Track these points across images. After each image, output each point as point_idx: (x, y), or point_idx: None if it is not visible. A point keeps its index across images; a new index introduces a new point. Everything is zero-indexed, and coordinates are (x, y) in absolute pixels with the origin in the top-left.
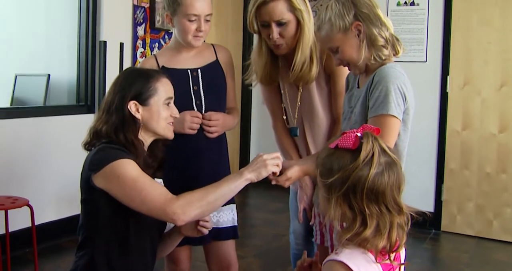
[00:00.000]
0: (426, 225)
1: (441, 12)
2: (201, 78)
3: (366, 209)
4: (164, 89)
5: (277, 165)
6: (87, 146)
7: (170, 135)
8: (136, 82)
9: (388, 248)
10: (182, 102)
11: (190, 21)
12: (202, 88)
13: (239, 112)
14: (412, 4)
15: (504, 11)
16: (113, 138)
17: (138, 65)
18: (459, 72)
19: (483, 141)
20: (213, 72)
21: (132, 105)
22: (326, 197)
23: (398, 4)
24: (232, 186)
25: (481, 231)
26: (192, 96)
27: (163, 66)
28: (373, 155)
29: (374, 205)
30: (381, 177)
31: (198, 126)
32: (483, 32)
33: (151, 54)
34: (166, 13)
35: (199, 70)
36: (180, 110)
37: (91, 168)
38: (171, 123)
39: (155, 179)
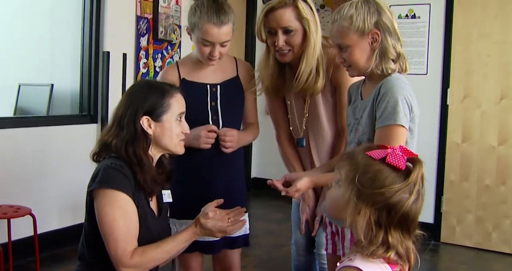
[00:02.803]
0: (425, 236)
1: (442, 25)
2: (220, 94)
3: (393, 230)
4: (177, 105)
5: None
6: (95, 156)
7: (181, 151)
8: (150, 97)
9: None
10: (198, 116)
11: (204, 45)
12: (220, 104)
13: (259, 128)
14: (414, 17)
15: (504, 25)
16: (122, 153)
17: (160, 72)
18: (459, 85)
19: (482, 153)
20: (232, 89)
21: (144, 121)
22: (355, 203)
23: (400, 16)
24: (182, 247)
25: (480, 243)
26: (209, 112)
27: (183, 79)
28: (416, 182)
29: (400, 228)
30: (416, 204)
31: (213, 141)
32: (483, 45)
33: (154, 64)
34: (187, 26)
35: (218, 86)
36: (196, 125)
37: (92, 182)
38: (182, 140)
39: (162, 191)
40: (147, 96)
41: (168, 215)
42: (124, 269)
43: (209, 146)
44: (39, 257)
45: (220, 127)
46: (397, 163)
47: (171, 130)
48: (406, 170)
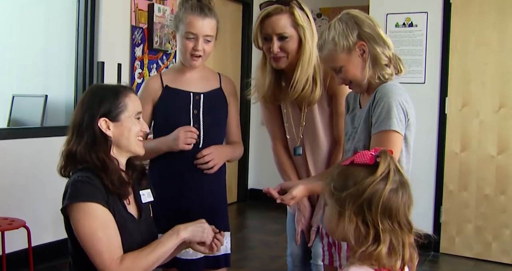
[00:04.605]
0: (424, 247)
1: (439, 34)
2: (203, 103)
3: (380, 224)
4: (133, 104)
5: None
6: (63, 170)
7: (140, 151)
8: (104, 99)
9: (402, 267)
10: (182, 123)
11: (188, 39)
12: (202, 113)
13: (242, 147)
14: (411, 25)
15: (502, 33)
16: (87, 159)
17: (144, 83)
18: (458, 93)
19: (481, 162)
20: (215, 99)
21: (102, 123)
22: (338, 211)
23: (397, 25)
24: (170, 246)
25: (480, 253)
26: (191, 119)
27: (166, 86)
28: (389, 171)
29: (388, 220)
30: (396, 193)
31: (193, 141)
32: (481, 53)
33: (149, 75)
34: (172, 30)
35: (201, 95)
36: None
37: (64, 199)
38: (141, 138)
39: (141, 191)
40: (101, 99)
41: (152, 214)
42: None
43: (190, 146)
44: (33, 270)
45: (201, 136)
46: (362, 160)
47: (129, 130)
48: (375, 163)
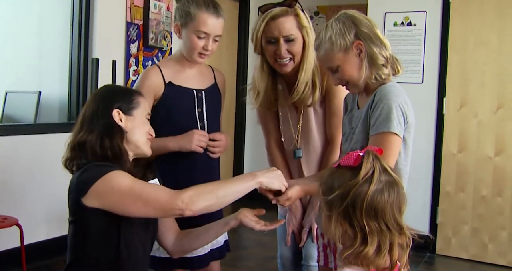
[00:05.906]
0: (420, 248)
1: (438, 33)
2: (205, 100)
3: (366, 226)
4: (145, 105)
5: (285, 186)
6: (68, 162)
7: (148, 151)
8: (119, 94)
9: (389, 268)
10: (187, 122)
11: (199, 38)
12: (206, 111)
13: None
14: (409, 24)
15: (501, 33)
16: (97, 148)
17: (141, 73)
18: (456, 94)
19: (479, 163)
20: (214, 95)
21: (115, 114)
22: (327, 215)
23: (395, 24)
24: (244, 186)
25: (476, 255)
26: (196, 118)
27: (170, 83)
28: (373, 172)
29: (374, 222)
30: (381, 194)
31: (205, 144)
32: (480, 53)
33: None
34: (176, 23)
35: (203, 92)
36: (184, 131)
37: (79, 189)
38: (149, 139)
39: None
40: (116, 94)
41: None
42: (186, 200)
43: (202, 149)
44: (26, 268)
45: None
46: (347, 162)
47: (141, 126)
48: (360, 165)
